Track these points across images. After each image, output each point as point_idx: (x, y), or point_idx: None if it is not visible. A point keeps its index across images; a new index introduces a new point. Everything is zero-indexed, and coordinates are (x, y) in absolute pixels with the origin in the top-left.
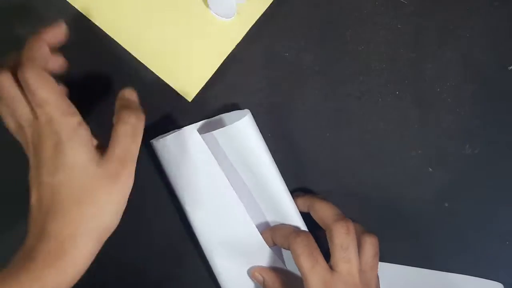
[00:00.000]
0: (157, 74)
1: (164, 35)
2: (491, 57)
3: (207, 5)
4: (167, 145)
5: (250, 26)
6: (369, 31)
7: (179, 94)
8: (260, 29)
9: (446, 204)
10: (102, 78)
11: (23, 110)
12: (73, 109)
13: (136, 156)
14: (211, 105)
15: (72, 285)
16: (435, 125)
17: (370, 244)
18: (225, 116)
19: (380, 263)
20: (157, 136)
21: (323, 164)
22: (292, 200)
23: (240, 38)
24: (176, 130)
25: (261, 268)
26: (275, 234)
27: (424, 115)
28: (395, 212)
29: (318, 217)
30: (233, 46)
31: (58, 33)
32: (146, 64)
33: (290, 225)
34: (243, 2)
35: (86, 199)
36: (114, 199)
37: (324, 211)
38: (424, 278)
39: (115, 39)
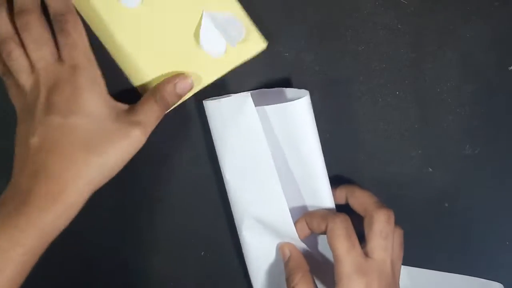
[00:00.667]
0: (133, 83)
1: (152, 53)
2: (491, 57)
3: (198, 42)
4: (220, 108)
5: (234, 66)
6: (369, 31)
7: None
8: (260, 29)
9: (446, 204)
10: None
11: (47, 50)
12: (95, 62)
13: (155, 125)
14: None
15: (61, 230)
16: (435, 125)
17: (398, 235)
18: (284, 90)
19: None
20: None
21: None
22: (330, 190)
23: (227, 71)
24: (230, 94)
25: (292, 245)
26: (312, 217)
27: (424, 115)
28: (395, 212)
29: (359, 204)
30: (214, 78)
31: None
32: (123, 69)
33: (327, 209)
34: (233, 46)
35: (95, 147)
36: (121, 156)
37: (366, 198)
38: (424, 278)
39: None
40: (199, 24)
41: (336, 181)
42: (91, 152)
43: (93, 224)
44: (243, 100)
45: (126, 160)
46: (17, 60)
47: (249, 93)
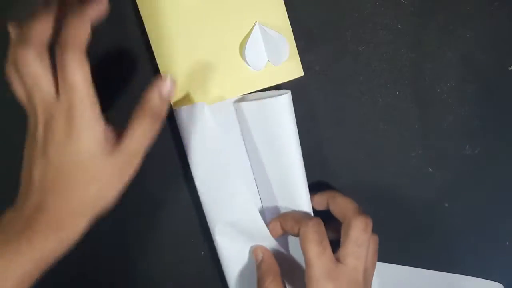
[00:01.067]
0: (161, 72)
1: (192, 48)
2: (491, 58)
3: (241, 50)
4: (180, 114)
5: (271, 85)
6: (369, 31)
7: None
8: None
9: (446, 205)
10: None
11: (45, 88)
12: (95, 99)
13: (145, 152)
14: None
15: (63, 253)
16: (435, 125)
17: (374, 242)
18: (267, 93)
19: (380, 263)
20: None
21: (323, 165)
22: (308, 193)
23: (257, 89)
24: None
25: (264, 248)
26: (285, 218)
27: (424, 115)
28: (395, 212)
29: (339, 210)
30: (246, 92)
31: (100, 9)
32: (157, 59)
33: (302, 212)
34: (276, 65)
35: (91, 182)
36: (117, 186)
37: (346, 204)
38: (424, 279)
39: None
40: (249, 34)
41: (335, 181)
42: (88, 185)
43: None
44: (199, 109)
45: (123, 189)
46: (15, 88)
47: (204, 104)
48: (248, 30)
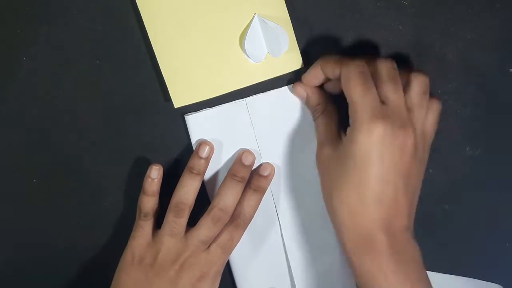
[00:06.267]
0: (160, 67)
1: (191, 41)
2: (492, 59)
3: (241, 43)
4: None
5: (271, 77)
6: (370, 32)
7: (168, 96)
8: None
9: (447, 206)
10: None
11: (211, 241)
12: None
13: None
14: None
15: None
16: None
17: (418, 82)
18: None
19: None
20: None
21: None
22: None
23: (257, 82)
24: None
25: (303, 84)
26: (326, 61)
27: None
28: None
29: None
30: (246, 85)
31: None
32: (156, 53)
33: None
34: (275, 56)
35: None
36: None
37: (366, 58)
38: None
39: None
40: (248, 26)
41: None
42: None
43: (93, 225)
44: (190, 122)
45: None
46: (179, 226)
47: (189, 116)
48: (247, 22)
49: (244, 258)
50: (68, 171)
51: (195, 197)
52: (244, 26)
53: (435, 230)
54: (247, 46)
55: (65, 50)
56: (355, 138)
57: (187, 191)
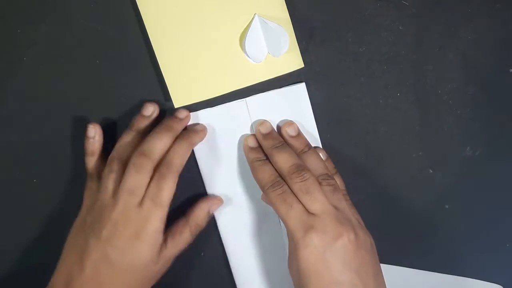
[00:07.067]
0: (160, 67)
1: (191, 42)
2: (492, 59)
3: (241, 43)
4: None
5: (271, 77)
6: (371, 32)
7: (168, 96)
8: None
9: (447, 206)
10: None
11: (139, 193)
12: (165, 216)
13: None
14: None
15: None
16: (436, 127)
17: (327, 185)
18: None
19: (380, 264)
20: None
21: None
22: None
23: (257, 82)
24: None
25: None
26: (264, 194)
27: (425, 116)
28: (395, 213)
29: (277, 168)
30: (246, 85)
31: (201, 137)
32: (156, 53)
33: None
34: (275, 56)
35: (133, 280)
36: (153, 281)
37: (281, 163)
38: (424, 280)
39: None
40: (248, 26)
41: None
42: (129, 281)
43: None
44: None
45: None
46: (108, 181)
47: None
48: (248, 22)
49: (249, 273)
50: (68, 171)
51: (131, 154)
52: (245, 26)
53: (435, 230)
54: (247, 46)
55: (65, 50)
56: (297, 255)
57: (122, 144)
